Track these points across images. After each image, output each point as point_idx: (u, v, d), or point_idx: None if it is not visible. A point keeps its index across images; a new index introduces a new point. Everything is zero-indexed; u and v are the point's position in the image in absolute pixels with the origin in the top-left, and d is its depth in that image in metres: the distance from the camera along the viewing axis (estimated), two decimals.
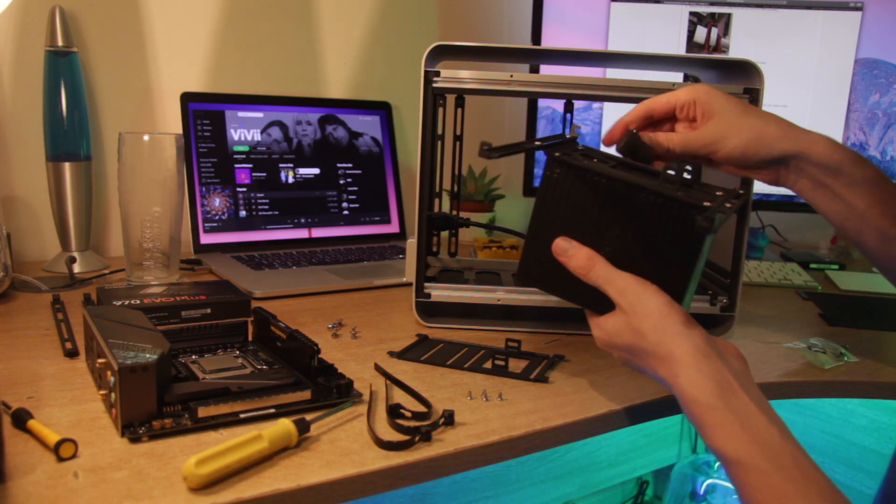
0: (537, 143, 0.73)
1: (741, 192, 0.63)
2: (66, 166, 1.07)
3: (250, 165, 1.23)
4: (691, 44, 1.31)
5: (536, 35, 1.31)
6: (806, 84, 1.31)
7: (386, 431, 0.58)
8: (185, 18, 1.22)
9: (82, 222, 1.09)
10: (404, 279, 0.97)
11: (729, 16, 1.30)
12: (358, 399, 0.63)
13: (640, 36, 1.31)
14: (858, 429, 1.15)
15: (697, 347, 0.57)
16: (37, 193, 1.12)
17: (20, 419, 0.55)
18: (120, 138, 0.94)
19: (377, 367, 0.72)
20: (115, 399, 0.55)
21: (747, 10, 1.29)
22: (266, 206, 1.23)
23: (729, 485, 1.35)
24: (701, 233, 0.59)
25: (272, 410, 0.59)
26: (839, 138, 1.32)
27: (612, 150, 0.72)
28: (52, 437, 0.52)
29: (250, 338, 0.75)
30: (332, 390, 0.62)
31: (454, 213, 1.01)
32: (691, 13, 1.30)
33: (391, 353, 0.76)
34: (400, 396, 0.66)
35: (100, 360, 0.59)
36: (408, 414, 0.61)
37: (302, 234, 1.26)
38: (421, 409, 0.63)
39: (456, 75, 0.83)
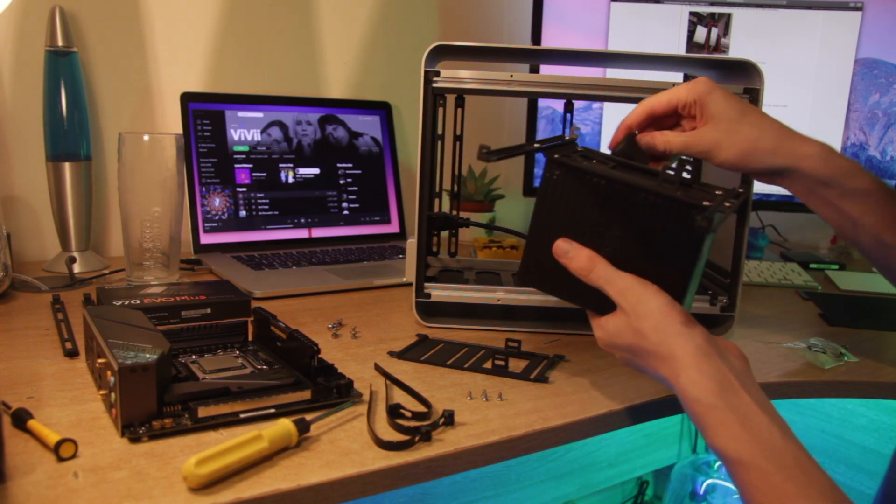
0: (536, 145, 0.73)
1: (741, 190, 0.63)
2: (66, 166, 1.07)
3: (250, 165, 1.23)
4: (691, 44, 1.31)
5: (536, 35, 1.31)
6: (806, 84, 1.31)
7: (386, 431, 0.58)
8: (185, 18, 1.22)
9: (82, 222, 1.09)
10: (404, 279, 0.97)
11: (729, 16, 1.30)
12: (358, 399, 0.63)
13: (640, 36, 1.31)
14: (858, 429, 1.15)
15: (698, 347, 0.57)
16: (37, 193, 1.12)
17: (20, 419, 0.55)
18: (120, 138, 0.94)
19: (377, 367, 0.72)
20: (115, 399, 0.55)
21: (747, 10, 1.29)
22: (266, 206, 1.23)
23: (729, 485, 1.35)
24: (700, 232, 0.59)
25: (272, 410, 0.59)
26: (839, 138, 1.32)
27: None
28: (52, 437, 0.52)
29: (250, 338, 0.75)
30: (332, 390, 0.62)
31: (454, 213, 1.01)
32: (691, 13, 1.30)
33: (391, 353, 0.76)
34: (400, 396, 0.66)
35: (100, 360, 0.59)
36: (408, 414, 0.61)
37: (302, 234, 1.26)
38: (421, 409, 0.63)
39: (456, 75, 0.83)
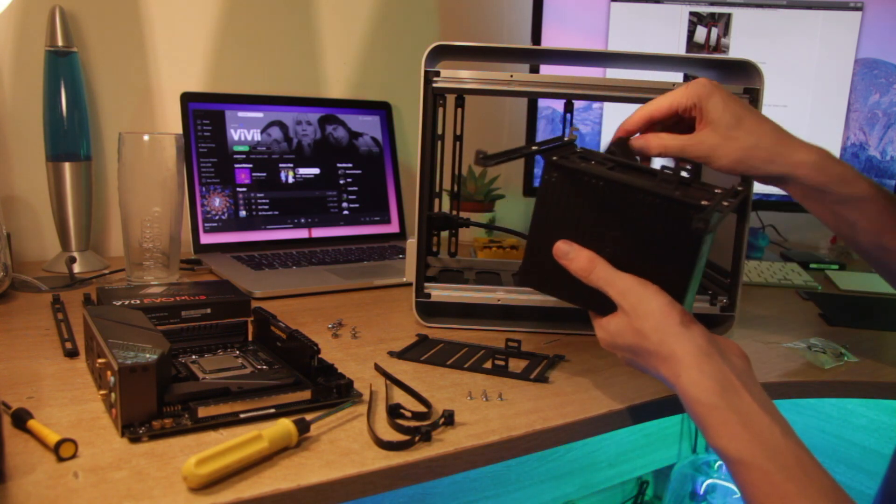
0: (534, 147, 0.72)
1: (740, 188, 0.63)
2: (66, 166, 1.07)
3: (250, 165, 1.23)
4: (691, 44, 1.31)
5: (536, 35, 1.31)
6: (806, 84, 1.31)
7: (386, 431, 0.58)
8: (185, 18, 1.22)
9: (82, 222, 1.09)
10: (404, 279, 0.97)
11: (729, 16, 1.30)
12: (358, 399, 0.63)
13: (640, 36, 1.31)
14: (858, 429, 1.15)
15: (699, 347, 0.57)
16: (37, 193, 1.12)
17: (20, 419, 0.55)
18: (120, 138, 0.94)
19: (377, 367, 0.72)
20: (115, 399, 0.55)
21: (747, 10, 1.29)
22: (266, 206, 1.23)
23: (729, 485, 1.35)
24: (698, 232, 0.59)
25: (272, 410, 0.59)
26: (839, 138, 1.32)
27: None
28: (52, 437, 0.52)
29: (250, 338, 0.75)
30: (332, 390, 0.62)
31: (454, 213, 1.01)
32: (691, 13, 1.30)
33: (391, 353, 0.76)
34: (400, 396, 0.66)
35: (100, 360, 0.59)
36: (408, 414, 0.61)
37: (302, 234, 1.26)
38: (421, 409, 0.63)
39: (456, 75, 0.83)
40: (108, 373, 0.56)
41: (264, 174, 1.24)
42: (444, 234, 1.01)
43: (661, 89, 0.76)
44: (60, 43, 1.05)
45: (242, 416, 0.58)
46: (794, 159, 0.68)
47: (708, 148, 0.69)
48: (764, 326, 0.93)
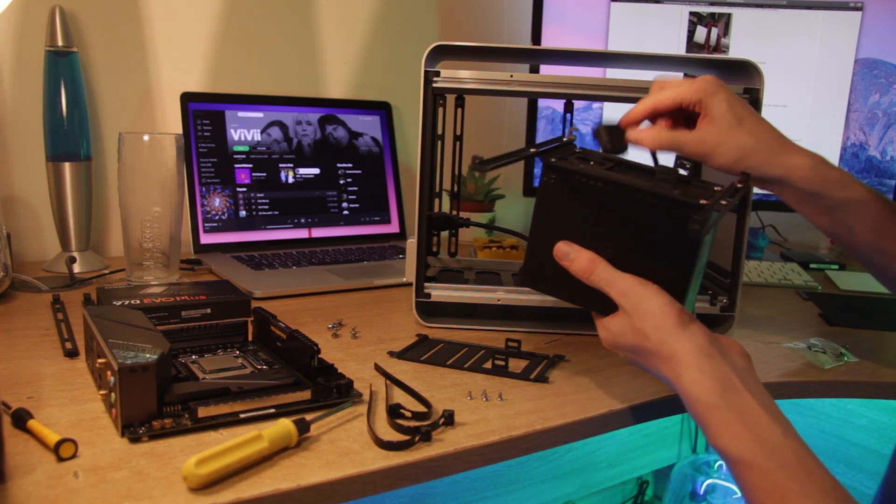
0: (532, 149, 0.72)
1: (739, 185, 0.63)
2: (66, 166, 1.07)
3: (250, 165, 1.23)
4: (691, 44, 1.31)
5: (536, 35, 1.31)
6: (806, 84, 1.31)
7: (386, 431, 0.58)
8: (185, 18, 1.22)
9: (82, 222, 1.09)
10: (404, 279, 0.97)
11: (729, 16, 1.30)
12: (358, 399, 0.63)
13: (640, 36, 1.31)
14: (858, 429, 1.15)
15: (700, 347, 0.57)
16: (37, 193, 1.12)
17: (20, 419, 0.55)
18: (120, 138, 0.94)
19: (377, 367, 0.72)
20: (115, 399, 0.55)
21: (747, 10, 1.29)
22: (266, 206, 1.23)
23: (729, 484, 1.35)
24: (696, 232, 0.59)
25: (272, 410, 0.59)
26: (839, 138, 1.32)
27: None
28: (52, 437, 0.52)
29: (250, 338, 0.75)
30: (332, 390, 0.62)
31: (454, 213, 1.01)
32: (691, 13, 1.30)
33: (391, 353, 0.76)
34: (400, 396, 0.66)
35: (100, 360, 0.59)
36: (408, 414, 0.61)
37: (302, 234, 1.26)
38: (421, 409, 0.63)
39: (456, 75, 0.83)
40: (108, 373, 0.56)
41: (264, 174, 1.24)
42: (444, 234, 1.01)
43: None
44: (60, 43, 1.05)
45: (242, 416, 0.58)
46: (790, 162, 0.68)
47: (708, 145, 0.69)
48: (764, 326, 0.93)
